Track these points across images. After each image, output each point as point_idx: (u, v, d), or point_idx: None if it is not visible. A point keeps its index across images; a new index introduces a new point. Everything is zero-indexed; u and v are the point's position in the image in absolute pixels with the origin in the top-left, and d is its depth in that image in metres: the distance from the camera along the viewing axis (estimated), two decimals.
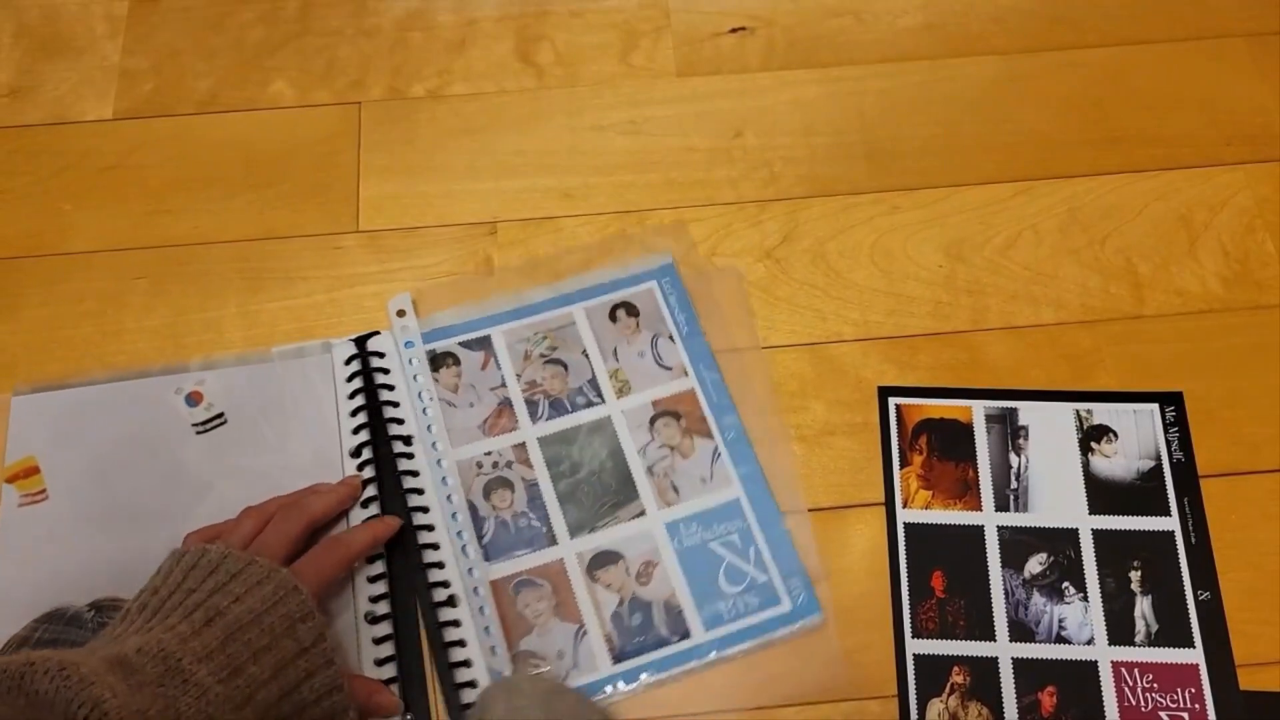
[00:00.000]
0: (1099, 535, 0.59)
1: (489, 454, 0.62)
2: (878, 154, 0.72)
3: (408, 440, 0.61)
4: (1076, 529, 0.60)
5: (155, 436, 0.62)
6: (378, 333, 0.65)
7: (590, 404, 0.63)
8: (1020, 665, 0.57)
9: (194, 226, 0.69)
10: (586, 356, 0.64)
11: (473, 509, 0.60)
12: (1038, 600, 0.58)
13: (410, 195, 0.70)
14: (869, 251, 0.68)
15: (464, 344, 0.65)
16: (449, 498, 0.60)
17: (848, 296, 0.67)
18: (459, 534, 0.59)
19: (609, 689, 0.56)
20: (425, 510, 0.60)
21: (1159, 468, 0.61)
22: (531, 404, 0.63)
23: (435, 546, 0.59)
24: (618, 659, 0.57)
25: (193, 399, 0.63)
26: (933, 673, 0.56)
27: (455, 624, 0.57)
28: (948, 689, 0.56)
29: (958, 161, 0.71)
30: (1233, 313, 0.66)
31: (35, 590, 0.57)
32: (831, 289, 0.67)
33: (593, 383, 0.64)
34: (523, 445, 0.62)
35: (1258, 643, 0.57)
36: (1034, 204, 0.70)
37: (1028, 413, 0.63)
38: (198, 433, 0.62)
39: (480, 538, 0.59)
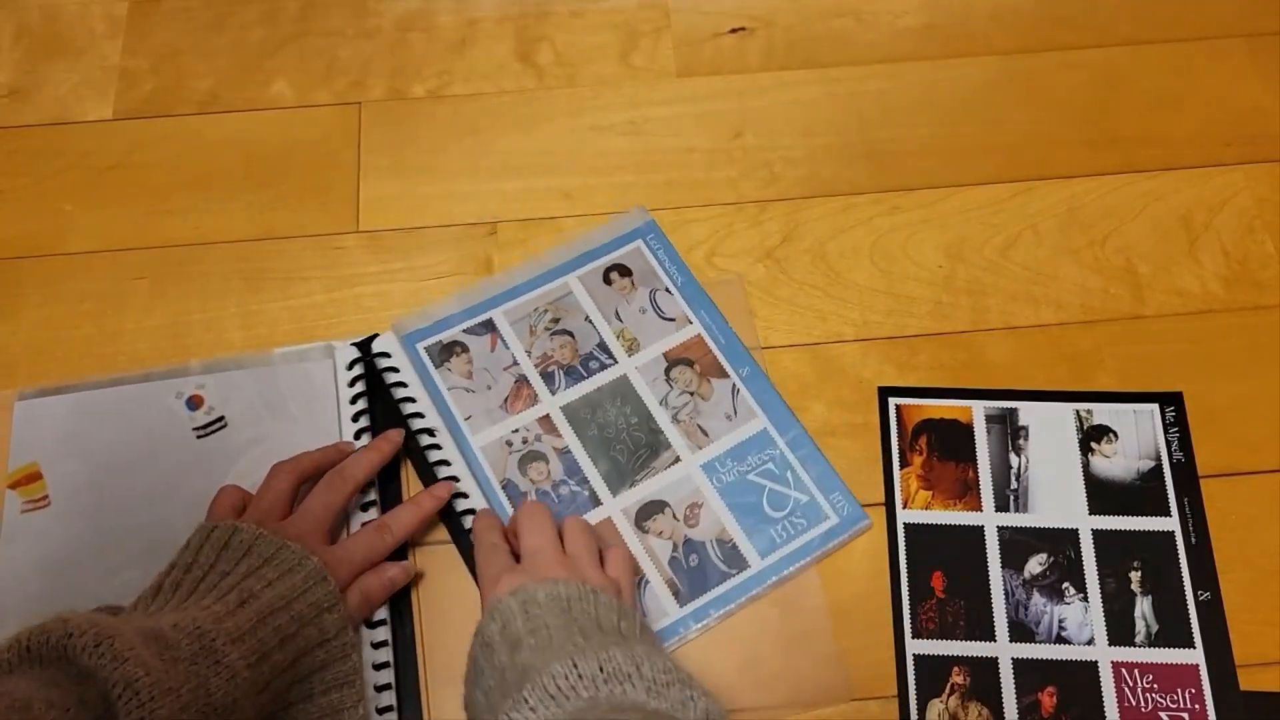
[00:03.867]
0: (1099, 535, 0.59)
1: (516, 431, 0.62)
2: (877, 154, 0.72)
3: (431, 433, 0.62)
4: (1076, 529, 0.60)
5: (156, 441, 0.62)
6: (377, 335, 0.65)
7: (604, 366, 0.64)
8: (1020, 665, 0.57)
9: (194, 226, 0.69)
10: (590, 322, 0.65)
11: (512, 486, 0.61)
12: (1038, 600, 0.58)
13: (410, 195, 0.70)
14: (869, 252, 0.68)
15: (468, 330, 0.65)
16: (488, 481, 0.61)
17: (848, 297, 0.67)
18: (503, 513, 0.60)
19: (681, 631, 0.57)
20: (465, 496, 0.60)
21: (1159, 468, 0.61)
22: (547, 376, 0.64)
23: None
24: (684, 602, 0.58)
25: (193, 402, 0.63)
26: (933, 673, 0.56)
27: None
28: (948, 689, 0.56)
29: (958, 161, 0.71)
30: (1233, 313, 0.66)
31: (37, 596, 0.57)
32: (831, 289, 0.67)
33: (602, 345, 0.65)
34: (547, 417, 0.63)
35: (1258, 643, 0.57)
36: (1034, 204, 0.70)
37: (1028, 413, 0.63)
38: (198, 436, 0.62)
39: None
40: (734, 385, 0.63)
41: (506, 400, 0.63)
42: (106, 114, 0.73)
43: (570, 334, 0.65)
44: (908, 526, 0.60)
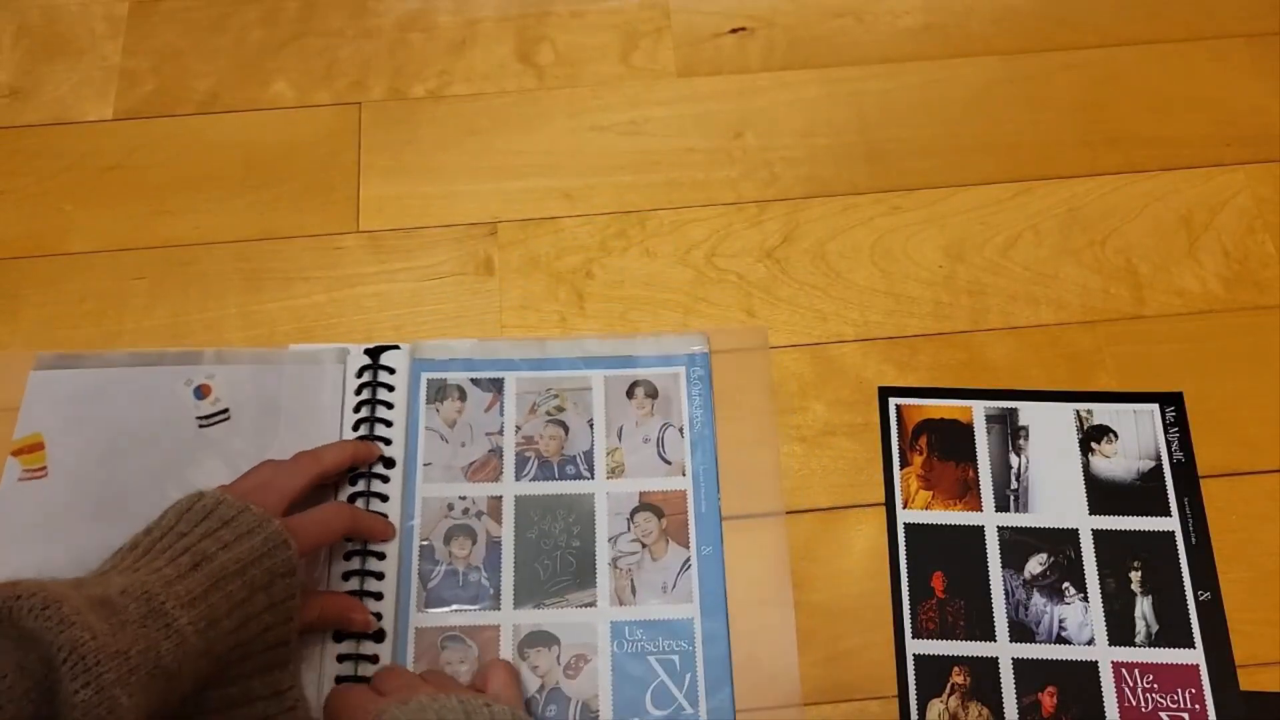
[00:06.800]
0: (1099, 535, 0.59)
1: (463, 499, 0.60)
2: (878, 154, 0.72)
3: (389, 463, 0.60)
4: (1076, 529, 0.60)
5: (159, 427, 0.61)
6: (397, 347, 0.63)
7: (579, 476, 0.61)
8: (1020, 665, 0.57)
9: (194, 226, 0.69)
10: (590, 426, 0.62)
11: (428, 552, 0.59)
12: (1038, 600, 0.58)
13: (411, 196, 0.70)
14: (869, 252, 0.68)
15: (475, 381, 0.63)
16: (411, 532, 0.59)
17: (848, 297, 0.67)
18: (407, 571, 0.58)
19: None
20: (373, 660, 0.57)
21: (1159, 468, 0.61)
22: (521, 459, 0.61)
23: (380, 576, 0.57)
24: None
25: (201, 391, 0.62)
26: (933, 673, 0.56)
27: (373, 659, 0.56)
28: (948, 689, 0.56)
29: (958, 162, 0.71)
30: (1233, 313, 0.66)
31: (24, 566, 0.56)
32: (832, 289, 0.67)
33: (588, 455, 0.61)
34: (499, 499, 0.60)
35: (1258, 643, 0.57)
36: (1034, 204, 0.70)
37: (1028, 413, 0.63)
38: (200, 426, 0.62)
39: (426, 581, 0.58)
40: (687, 559, 0.59)
41: (472, 465, 0.61)
42: (107, 114, 0.73)
43: (565, 429, 0.62)
44: (908, 526, 0.60)
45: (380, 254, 0.68)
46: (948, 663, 0.57)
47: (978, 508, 0.61)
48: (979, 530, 0.60)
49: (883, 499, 0.61)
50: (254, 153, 0.72)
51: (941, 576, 0.59)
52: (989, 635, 0.57)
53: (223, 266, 0.68)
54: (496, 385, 0.63)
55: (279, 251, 0.68)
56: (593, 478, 0.61)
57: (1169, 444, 0.62)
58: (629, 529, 0.60)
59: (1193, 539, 0.59)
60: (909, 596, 0.58)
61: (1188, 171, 0.71)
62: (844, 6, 0.77)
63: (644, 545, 0.59)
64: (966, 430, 0.63)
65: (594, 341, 0.64)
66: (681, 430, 0.62)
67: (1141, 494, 0.61)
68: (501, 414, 0.62)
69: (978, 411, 0.63)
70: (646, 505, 0.60)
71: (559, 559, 0.59)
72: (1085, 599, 0.58)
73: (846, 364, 0.65)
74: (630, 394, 0.63)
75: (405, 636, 0.56)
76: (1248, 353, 0.65)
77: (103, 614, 0.43)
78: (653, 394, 0.63)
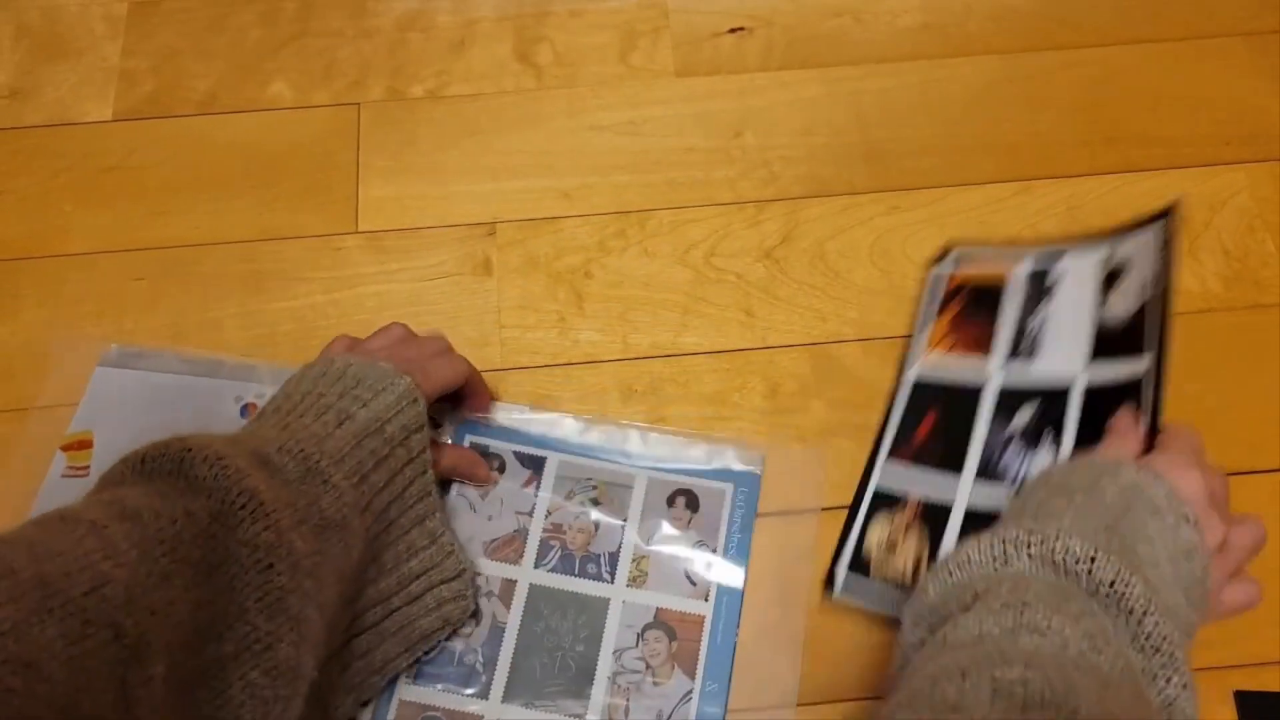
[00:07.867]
0: (1090, 392, 0.57)
1: (478, 575, 0.57)
2: (877, 154, 0.72)
3: None
4: (1071, 382, 0.57)
5: None
6: None
7: (599, 577, 0.57)
8: (977, 516, 0.55)
9: (194, 227, 0.69)
10: (623, 528, 0.59)
11: None
12: (1014, 450, 0.57)
13: (410, 196, 0.70)
14: (868, 251, 0.68)
15: (519, 455, 0.61)
16: None
17: (847, 296, 0.67)
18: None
19: None
20: None
21: (1144, 306, 0.57)
22: (545, 546, 0.58)
23: None
24: None
25: (247, 410, 0.62)
26: (892, 496, 0.58)
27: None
28: (897, 513, 0.57)
29: (957, 161, 0.71)
30: (1233, 312, 0.66)
31: None
32: (831, 289, 0.67)
33: (613, 557, 0.58)
34: (514, 584, 0.57)
35: (1257, 643, 0.57)
36: (1033, 204, 0.70)
37: (1064, 265, 0.62)
38: None
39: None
40: (689, 691, 0.55)
41: (494, 542, 0.58)
42: (106, 115, 0.73)
43: (596, 525, 0.59)
44: (916, 384, 0.61)
45: (379, 254, 0.68)
46: (906, 494, 0.57)
47: (988, 354, 0.60)
48: (977, 388, 0.59)
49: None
50: (253, 153, 0.72)
51: (932, 419, 0.59)
52: (957, 469, 0.57)
53: (222, 267, 0.68)
54: (538, 464, 0.60)
55: (278, 252, 0.68)
56: (613, 582, 0.57)
57: (1157, 272, 0.58)
58: (637, 645, 0.56)
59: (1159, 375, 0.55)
60: (897, 432, 0.59)
61: (1187, 171, 0.71)
62: (843, 6, 0.77)
63: (649, 666, 0.55)
64: (998, 292, 0.63)
65: (638, 434, 0.62)
66: (715, 550, 0.58)
67: (1130, 332, 0.57)
68: (536, 495, 0.60)
69: (1020, 268, 0.63)
70: (660, 623, 0.56)
71: (559, 660, 0.55)
72: (1058, 447, 0.56)
73: (847, 364, 0.65)
74: (671, 502, 0.59)
75: (388, 704, 0.54)
76: (1247, 352, 0.65)
77: (265, 471, 0.45)
78: (694, 506, 0.59)
